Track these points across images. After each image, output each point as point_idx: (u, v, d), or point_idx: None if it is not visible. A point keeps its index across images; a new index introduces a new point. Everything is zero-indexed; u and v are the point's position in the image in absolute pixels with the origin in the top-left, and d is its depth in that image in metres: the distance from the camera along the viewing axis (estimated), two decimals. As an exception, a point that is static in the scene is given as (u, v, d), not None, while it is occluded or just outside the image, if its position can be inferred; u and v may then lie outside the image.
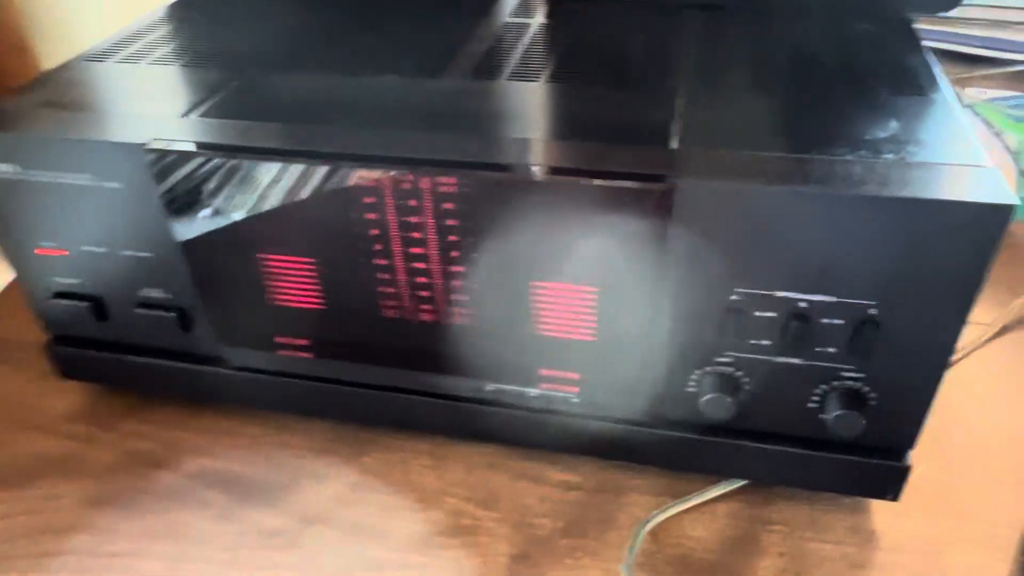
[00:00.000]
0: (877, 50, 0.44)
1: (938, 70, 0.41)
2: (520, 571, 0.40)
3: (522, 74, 0.43)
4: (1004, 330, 0.54)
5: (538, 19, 0.51)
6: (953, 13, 0.84)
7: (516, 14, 0.52)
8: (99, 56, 0.48)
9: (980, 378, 0.50)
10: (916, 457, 0.39)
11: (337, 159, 0.36)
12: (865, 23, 0.48)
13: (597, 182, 0.33)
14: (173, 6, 0.57)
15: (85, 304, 0.44)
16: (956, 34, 0.84)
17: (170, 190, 0.38)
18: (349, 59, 0.46)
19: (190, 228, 0.40)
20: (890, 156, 0.33)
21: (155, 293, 0.43)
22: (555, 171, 0.34)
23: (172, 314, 0.44)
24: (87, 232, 0.42)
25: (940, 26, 0.85)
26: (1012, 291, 0.56)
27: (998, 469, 0.44)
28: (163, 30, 0.52)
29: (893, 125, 0.36)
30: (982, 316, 0.54)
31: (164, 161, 0.37)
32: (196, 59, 0.47)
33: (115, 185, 0.39)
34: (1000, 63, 0.83)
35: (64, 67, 0.47)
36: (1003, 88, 0.80)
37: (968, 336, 0.53)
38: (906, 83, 0.40)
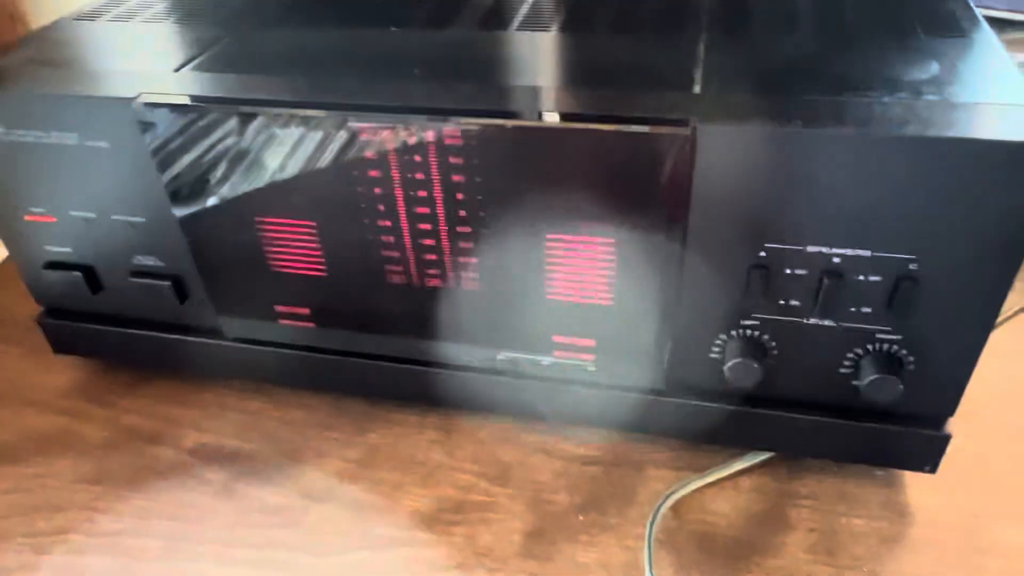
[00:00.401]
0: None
1: (979, 12, 0.38)
2: (534, 549, 0.38)
3: (533, 24, 0.41)
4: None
5: (548, -28, 0.49)
6: (979, -26, 0.81)
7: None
8: (89, 15, 0.46)
9: (1016, 345, 0.47)
10: (952, 427, 0.36)
11: (336, 109, 0.33)
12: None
13: (613, 127, 0.30)
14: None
15: (77, 274, 0.42)
16: (983, -5, 0.80)
17: (161, 149, 0.36)
18: (350, 13, 0.44)
19: (184, 191, 0.37)
20: (932, 97, 0.31)
21: (149, 261, 0.41)
22: (568, 117, 0.31)
23: (167, 283, 0.41)
24: (76, 197, 0.40)
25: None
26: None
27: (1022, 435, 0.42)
28: (156, -11, 0.50)
29: (934, 66, 0.33)
30: (1018, 281, 0.52)
31: (155, 117, 0.35)
32: (190, 16, 0.45)
33: (103, 144, 0.37)
34: (1029, 26, 0.80)
35: (52, 26, 0.45)
36: (1033, 51, 0.76)
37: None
38: (946, 24, 0.37)
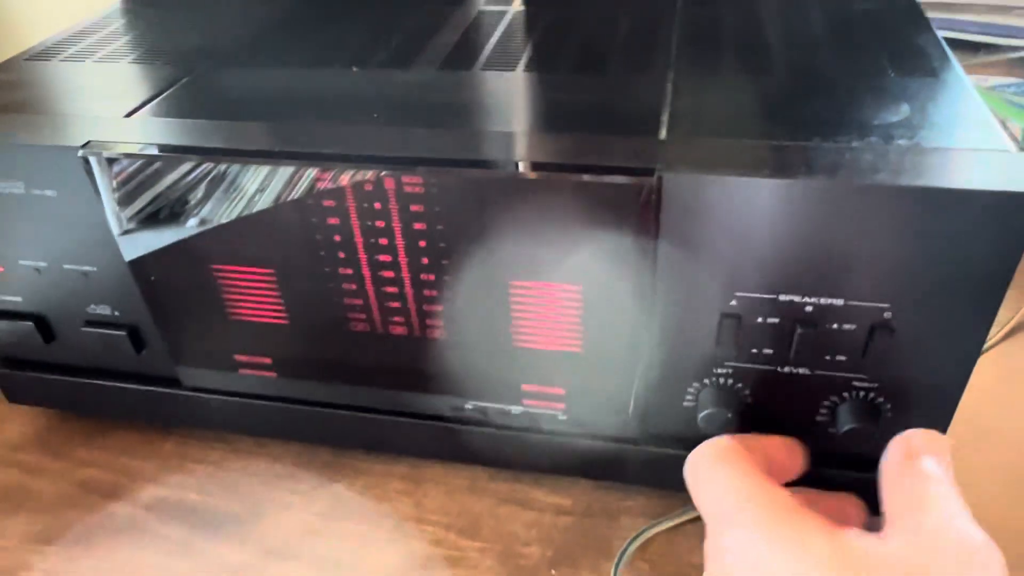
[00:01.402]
0: (881, 29, 0.41)
1: (949, 51, 0.38)
2: (505, 607, 0.36)
3: (497, 63, 0.40)
4: (1016, 330, 0.51)
5: (515, 7, 0.48)
6: (952, -1, 0.81)
7: (491, 1, 0.49)
8: (41, 55, 0.45)
9: (992, 382, 0.46)
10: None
11: (294, 158, 0.32)
12: (866, 2, 0.44)
13: (580, 177, 0.29)
14: (124, 2, 0.54)
15: (28, 324, 0.41)
16: (956, 20, 0.81)
17: (111, 197, 0.35)
18: (310, 53, 0.43)
19: (136, 239, 0.36)
20: (903, 142, 0.30)
21: (103, 310, 0.40)
22: (533, 166, 0.30)
23: (122, 332, 0.40)
24: (25, 246, 0.38)
25: (939, 13, 0.82)
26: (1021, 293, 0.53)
27: (1015, 477, 0.41)
28: (112, 27, 0.48)
29: (904, 108, 0.32)
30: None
31: (103, 166, 0.34)
32: (146, 56, 0.43)
33: (50, 193, 0.36)
34: (1001, 49, 0.80)
35: (2, 66, 0.43)
36: (1005, 75, 0.76)
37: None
38: (916, 63, 0.37)
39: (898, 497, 0.29)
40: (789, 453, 0.34)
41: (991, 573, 0.25)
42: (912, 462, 0.29)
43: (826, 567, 0.25)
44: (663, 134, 0.32)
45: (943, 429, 0.33)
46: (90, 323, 0.40)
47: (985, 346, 0.49)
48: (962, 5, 0.81)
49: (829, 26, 0.42)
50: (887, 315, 0.30)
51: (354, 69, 0.40)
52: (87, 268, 0.38)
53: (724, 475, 0.29)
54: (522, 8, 0.48)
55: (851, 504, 0.34)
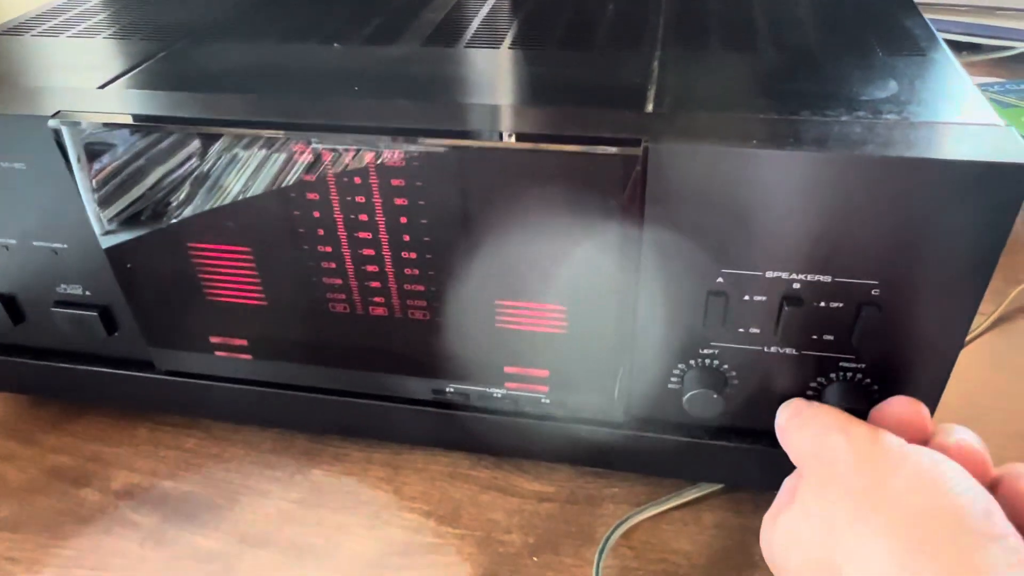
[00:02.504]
0: (869, 10, 0.41)
1: (935, 31, 0.38)
2: (485, 594, 0.35)
3: (482, 41, 0.39)
4: (1001, 320, 0.51)
5: (501, -11, 0.47)
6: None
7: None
8: (14, 30, 0.43)
9: (975, 372, 0.46)
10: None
11: (270, 128, 0.31)
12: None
13: (564, 147, 0.29)
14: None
15: (-4, 304, 0.40)
16: (940, 21, 0.81)
17: (83, 171, 0.34)
18: (292, 29, 0.42)
19: (109, 216, 0.35)
20: (892, 116, 0.29)
21: (74, 290, 0.39)
22: (518, 137, 0.30)
23: (93, 313, 0.39)
24: (-7, 221, 0.37)
25: (924, 13, 0.82)
26: (1007, 280, 0.53)
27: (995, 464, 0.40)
28: (88, 4, 0.47)
29: (892, 85, 0.32)
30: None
31: (75, 136, 0.33)
32: (123, 31, 0.42)
33: (19, 166, 0.35)
34: (984, 49, 0.81)
35: (-27, 41, 0.42)
36: (989, 75, 0.77)
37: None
38: (904, 42, 0.36)
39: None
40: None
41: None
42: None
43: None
44: (649, 107, 0.31)
45: (931, 409, 0.33)
46: (60, 303, 0.39)
47: (970, 336, 0.48)
48: (946, 6, 0.81)
49: (817, 6, 0.41)
50: (875, 292, 0.30)
51: (335, 45, 0.39)
52: (57, 245, 0.37)
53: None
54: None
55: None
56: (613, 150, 0.28)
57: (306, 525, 0.39)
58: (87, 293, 0.39)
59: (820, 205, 0.28)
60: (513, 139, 0.29)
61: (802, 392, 0.33)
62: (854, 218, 0.28)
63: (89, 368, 0.42)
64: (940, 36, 0.38)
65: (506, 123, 0.31)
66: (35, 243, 0.37)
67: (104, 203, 0.34)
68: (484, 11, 0.43)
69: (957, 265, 0.28)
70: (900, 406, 0.31)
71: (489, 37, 0.39)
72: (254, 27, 0.42)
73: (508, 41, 0.39)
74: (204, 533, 0.38)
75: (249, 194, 0.33)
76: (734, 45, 0.37)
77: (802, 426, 0.31)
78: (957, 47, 0.82)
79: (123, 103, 0.34)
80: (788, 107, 0.30)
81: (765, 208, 0.29)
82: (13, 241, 0.38)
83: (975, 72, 0.78)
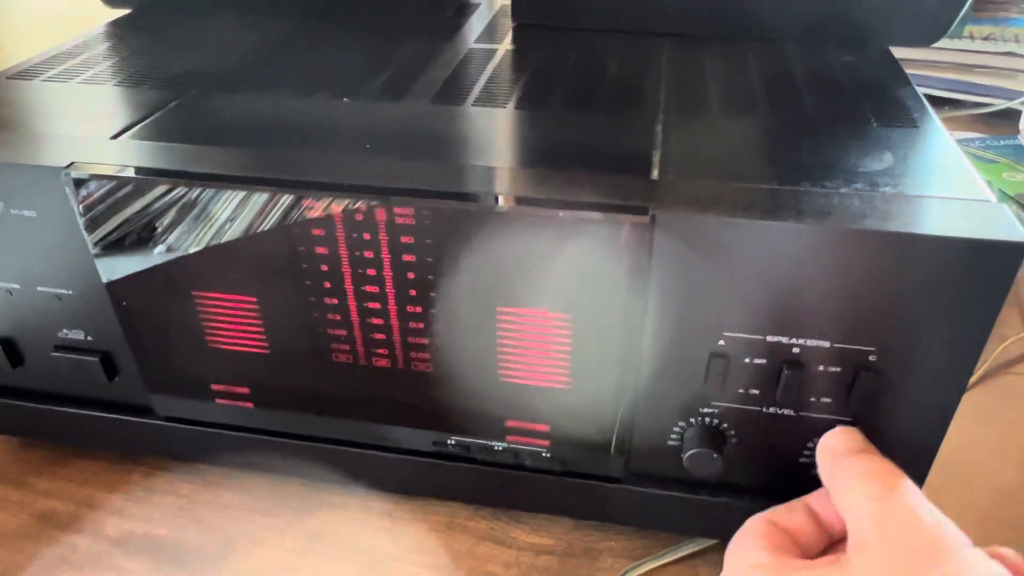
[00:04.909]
0: (862, 80, 0.42)
1: (927, 103, 0.39)
2: (483, 649, 0.35)
3: (488, 100, 0.40)
4: (986, 376, 0.52)
5: (505, 45, 0.49)
6: (918, 55, 0.84)
7: (482, 39, 0.50)
8: (24, 74, 0.44)
9: (961, 427, 0.47)
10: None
11: (282, 186, 0.32)
12: (845, 54, 0.46)
13: (571, 213, 0.30)
14: (112, 24, 0.53)
15: (-5, 347, 0.40)
16: (923, 76, 0.84)
17: (93, 220, 0.34)
18: (301, 81, 0.43)
19: (116, 263, 0.35)
20: (888, 189, 0.31)
21: (75, 335, 0.39)
22: (524, 201, 0.30)
23: (94, 358, 0.39)
24: (-2, 266, 0.37)
25: (907, 69, 0.85)
26: (992, 336, 0.54)
27: (988, 520, 0.41)
28: (97, 50, 0.48)
29: (888, 157, 0.33)
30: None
31: (87, 188, 0.33)
32: (132, 79, 0.43)
33: (30, 214, 0.35)
34: (965, 105, 0.83)
35: (-18, 85, 0.43)
36: (969, 131, 0.79)
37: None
38: (896, 113, 0.38)
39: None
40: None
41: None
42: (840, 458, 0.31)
43: None
44: (655, 173, 0.32)
45: (924, 472, 0.34)
46: (61, 348, 0.39)
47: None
48: (928, 63, 0.84)
49: (810, 76, 0.43)
50: (872, 358, 0.31)
51: (345, 99, 0.40)
52: (62, 291, 0.37)
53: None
54: (512, 47, 0.48)
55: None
56: (622, 217, 0.29)
57: (302, 574, 0.38)
58: (89, 338, 0.39)
59: (820, 274, 0.29)
60: (523, 204, 0.30)
61: (799, 453, 0.34)
62: (853, 287, 0.29)
63: (87, 412, 0.41)
64: (930, 109, 0.39)
65: (515, 186, 0.32)
66: (40, 288, 0.37)
67: (112, 252, 0.35)
68: (489, 69, 0.44)
69: (951, 334, 0.29)
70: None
71: (495, 96, 0.40)
72: (264, 77, 0.43)
73: (514, 101, 0.40)
74: (199, 582, 0.38)
75: (257, 246, 0.33)
76: (734, 110, 0.38)
77: (869, 482, 0.29)
78: (939, 102, 0.84)
79: (136, 155, 0.34)
80: (789, 177, 0.31)
81: (767, 275, 0.29)
82: (17, 286, 0.38)
83: (956, 127, 0.81)
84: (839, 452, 0.31)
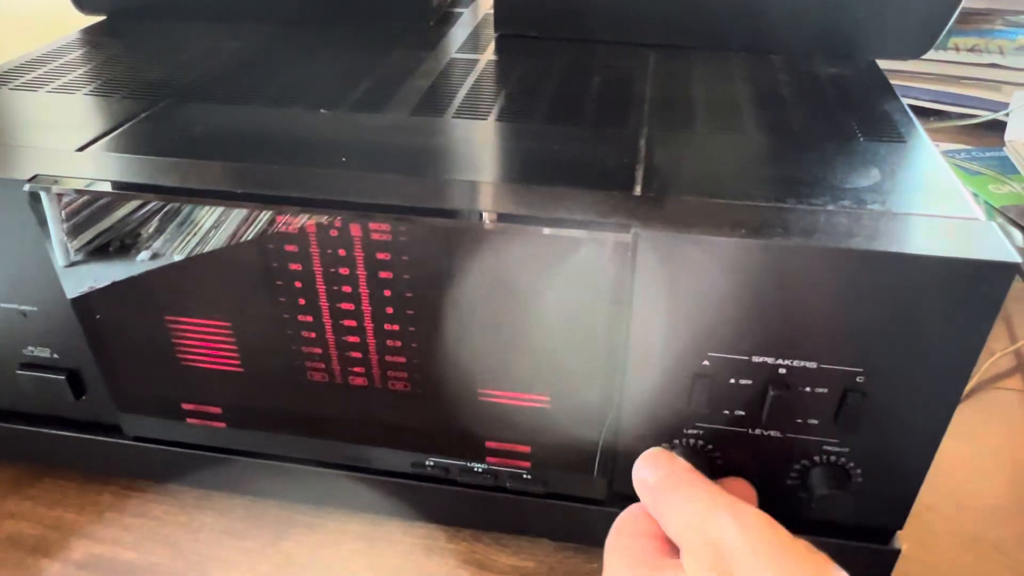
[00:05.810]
0: (849, 93, 0.42)
1: (913, 116, 0.39)
2: None
3: (470, 111, 0.39)
4: (974, 391, 0.51)
5: (488, 55, 0.48)
6: (903, 66, 0.84)
7: (464, 49, 0.49)
8: (-8, 82, 0.43)
9: (948, 445, 0.46)
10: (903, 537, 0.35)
11: (255, 200, 0.31)
12: (832, 67, 0.45)
13: (553, 231, 0.29)
14: (85, 31, 0.52)
15: (-42, 364, 0.38)
16: (908, 88, 0.84)
17: (58, 235, 0.33)
18: (278, 91, 0.42)
19: (81, 278, 0.34)
20: (876, 207, 0.30)
21: (41, 352, 0.37)
22: (504, 218, 0.29)
23: (61, 376, 0.38)
24: (-40, 281, 0.36)
25: (893, 80, 0.84)
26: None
27: (975, 539, 0.40)
28: (69, 57, 0.47)
29: (875, 173, 0.33)
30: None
31: (51, 201, 0.32)
32: (104, 88, 0.42)
33: (-8, 227, 0.34)
34: (951, 117, 0.83)
35: (-52, 94, 0.41)
36: (954, 142, 0.79)
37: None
38: (883, 127, 0.37)
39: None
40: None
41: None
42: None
43: None
44: (638, 189, 0.31)
45: (913, 492, 0.33)
46: (26, 366, 0.38)
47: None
48: (914, 74, 0.84)
49: (797, 86, 0.42)
50: (860, 379, 0.30)
51: (323, 111, 0.39)
52: (27, 307, 0.36)
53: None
54: (494, 57, 0.48)
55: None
56: (604, 234, 0.28)
57: (276, 601, 0.37)
58: (55, 356, 0.37)
59: (806, 294, 0.28)
60: (502, 220, 0.29)
61: (786, 475, 0.33)
62: (840, 307, 0.28)
63: (54, 432, 0.40)
64: (909, 108, 0.38)
65: (495, 203, 0.31)
66: (3, 304, 0.36)
67: (77, 267, 0.34)
68: (471, 80, 0.43)
69: (940, 355, 0.29)
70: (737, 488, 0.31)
71: (476, 108, 0.40)
72: (239, 88, 0.42)
73: (495, 113, 0.39)
74: (168, 609, 0.37)
75: (230, 262, 0.32)
76: (718, 124, 0.38)
77: (684, 498, 0.29)
78: (924, 113, 0.84)
79: (104, 168, 0.33)
80: (774, 194, 0.31)
81: (752, 295, 0.29)
82: (-20, 302, 0.36)
83: (942, 138, 0.81)
84: (652, 487, 0.30)
